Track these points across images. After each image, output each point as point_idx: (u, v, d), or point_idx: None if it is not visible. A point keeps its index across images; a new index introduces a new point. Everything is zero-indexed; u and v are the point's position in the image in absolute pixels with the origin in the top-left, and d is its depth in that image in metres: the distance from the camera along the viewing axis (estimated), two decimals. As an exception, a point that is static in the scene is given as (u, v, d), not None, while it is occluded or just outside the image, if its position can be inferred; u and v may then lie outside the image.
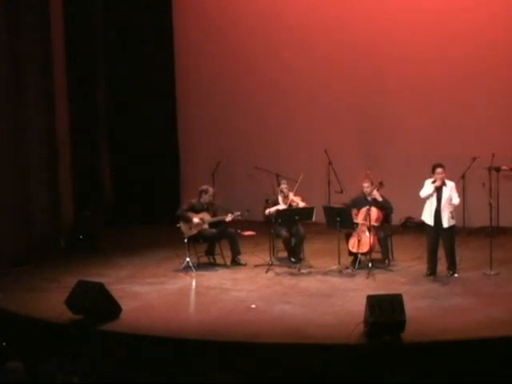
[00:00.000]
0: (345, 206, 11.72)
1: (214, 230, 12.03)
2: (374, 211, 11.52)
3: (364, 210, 11.55)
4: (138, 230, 14.75)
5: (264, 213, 12.17)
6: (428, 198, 10.87)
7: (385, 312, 8.52)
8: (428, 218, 10.98)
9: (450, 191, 10.85)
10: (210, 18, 15.52)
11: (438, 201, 10.85)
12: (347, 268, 11.52)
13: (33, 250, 12.79)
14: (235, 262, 12.06)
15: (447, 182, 10.90)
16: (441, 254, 11.08)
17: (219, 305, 10.14)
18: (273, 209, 12.00)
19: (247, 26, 15.34)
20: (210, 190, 12.16)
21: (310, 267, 11.77)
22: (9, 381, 7.28)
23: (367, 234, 11.44)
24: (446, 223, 10.86)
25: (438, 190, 10.84)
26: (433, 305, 9.81)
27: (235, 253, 12.09)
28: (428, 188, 10.81)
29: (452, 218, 10.88)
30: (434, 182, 10.82)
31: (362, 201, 11.71)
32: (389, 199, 11.70)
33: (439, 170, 10.79)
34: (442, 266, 11.08)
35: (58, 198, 13.70)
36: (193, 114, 15.86)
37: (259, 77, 15.33)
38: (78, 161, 14.59)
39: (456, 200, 10.88)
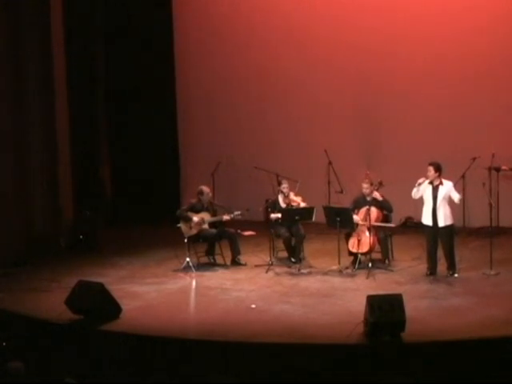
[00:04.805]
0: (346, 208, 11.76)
1: (213, 230, 12.04)
2: (374, 211, 11.52)
3: (364, 210, 11.56)
4: (137, 229, 14.74)
5: (267, 215, 12.22)
6: (421, 196, 10.95)
7: (385, 312, 8.52)
8: (425, 218, 11.03)
9: (448, 191, 10.88)
10: (210, 18, 15.51)
11: (434, 199, 10.89)
12: (347, 268, 11.52)
13: (33, 250, 12.79)
14: (235, 262, 12.06)
15: (444, 181, 10.93)
16: (441, 253, 11.08)
17: (219, 305, 10.14)
18: (274, 216, 11.99)
19: (247, 26, 15.33)
20: (205, 190, 12.15)
21: (310, 267, 11.77)
22: (9, 381, 7.28)
23: (367, 234, 11.44)
24: (442, 222, 10.87)
25: (434, 189, 10.88)
26: (433, 305, 9.81)
27: (235, 253, 12.09)
28: (416, 187, 10.90)
29: (449, 217, 10.89)
30: (430, 182, 10.88)
31: (361, 201, 11.72)
32: (389, 199, 11.71)
33: (428, 167, 10.87)
34: (441, 266, 11.08)
35: (58, 198, 13.70)
36: (193, 114, 15.85)
37: (259, 77, 15.32)
38: (77, 161, 14.60)
39: (457, 196, 10.89)
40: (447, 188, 10.91)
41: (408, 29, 14.29)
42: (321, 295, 10.41)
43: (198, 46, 15.59)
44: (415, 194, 10.97)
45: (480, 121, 13.97)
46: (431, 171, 10.85)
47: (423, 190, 10.93)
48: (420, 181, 10.88)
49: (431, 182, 10.89)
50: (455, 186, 11.27)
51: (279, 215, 11.92)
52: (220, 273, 11.77)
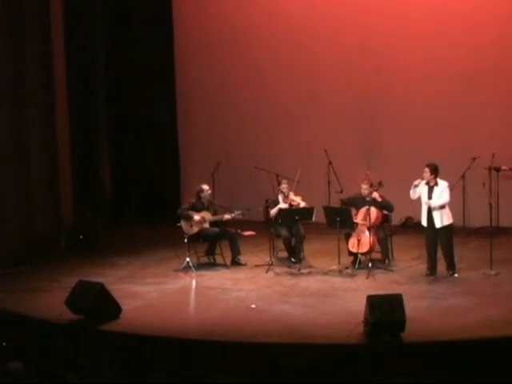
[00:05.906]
0: (342, 204, 11.78)
1: (216, 229, 12.04)
2: (374, 211, 11.51)
3: (363, 210, 11.55)
4: (138, 229, 14.74)
5: (267, 215, 12.22)
6: (418, 197, 10.95)
7: (385, 312, 8.52)
8: (423, 218, 11.04)
9: (441, 191, 10.85)
10: (210, 18, 15.52)
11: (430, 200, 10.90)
12: (347, 268, 11.51)
13: (33, 250, 12.79)
14: (235, 262, 12.06)
15: (440, 181, 10.92)
16: (440, 253, 11.08)
17: (219, 305, 10.14)
18: (275, 209, 12.00)
19: (247, 26, 15.33)
20: (205, 187, 12.15)
21: (310, 267, 11.76)
22: (9, 381, 7.28)
23: (367, 233, 11.44)
24: (438, 223, 10.87)
25: (430, 190, 10.89)
26: (433, 305, 9.81)
27: (235, 253, 12.09)
28: (412, 189, 10.91)
29: (447, 217, 10.87)
30: (426, 183, 10.89)
31: (360, 201, 11.70)
32: (389, 199, 11.70)
33: (425, 169, 10.88)
34: (442, 266, 11.08)
35: (58, 198, 13.71)
36: (193, 114, 15.86)
37: (259, 77, 15.33)
38: (78, 161, 14.60)
39: (442, 200, 10.81)
40: (441, 188, 10.89)
41: (408, 29, 14.30)
42: (321, 295, 10.41)
43: (198, 46, 15.59)
44: (412, 195, 11.00)
45: (480, 121, 13.96)
46: (427, 172, 10.85)
47: (420, 191, 10.93)
48: (416, 182, 10.88)
49: (427, 183, 10.90)
50: (455, 186, 11.27)
51: (281, 206, 11.91)
52: (220, 273, 11.77)
